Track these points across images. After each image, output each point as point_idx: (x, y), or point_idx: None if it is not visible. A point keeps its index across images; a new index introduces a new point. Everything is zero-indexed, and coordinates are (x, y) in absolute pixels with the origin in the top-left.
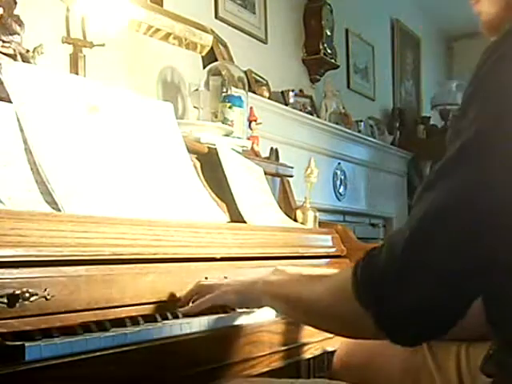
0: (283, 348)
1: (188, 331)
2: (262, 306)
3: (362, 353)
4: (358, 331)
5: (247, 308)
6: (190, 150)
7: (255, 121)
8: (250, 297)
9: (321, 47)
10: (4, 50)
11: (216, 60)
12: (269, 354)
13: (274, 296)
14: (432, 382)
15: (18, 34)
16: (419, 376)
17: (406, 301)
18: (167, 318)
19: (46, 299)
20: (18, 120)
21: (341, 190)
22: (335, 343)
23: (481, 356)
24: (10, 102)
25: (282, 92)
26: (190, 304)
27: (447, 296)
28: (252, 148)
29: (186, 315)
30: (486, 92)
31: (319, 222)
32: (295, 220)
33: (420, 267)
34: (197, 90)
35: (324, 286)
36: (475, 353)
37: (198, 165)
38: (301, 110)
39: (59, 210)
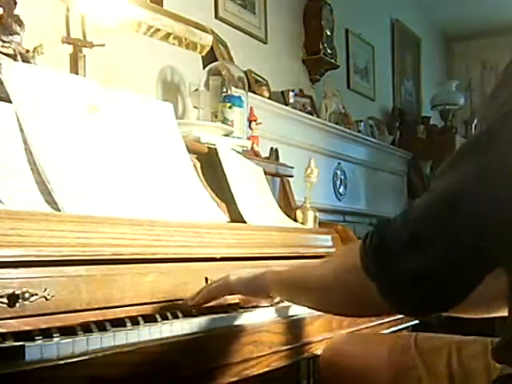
0: (283, 348)
1: (188, 331)
2: (268, 296)
3: (350, 355)
4: (363, 304)
5: (253, 296)
6: (190, 150)
7: (255, 121)
8: (259, 284)
9: (321, 47)
10: (4, 50)
11: (216, 60)
12: (269, 354)
13: (280, 282)
14: None
15: (18, 34)
16: (408, 378)
17: (411, 266)
18: (167, 318)
19: (46, 299)
20: (18, 120)
21: (341, 190)
22: None
23: (473, 357)
24: (10, 102)
25: (282, 92)
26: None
27: (457, 268)
28: (252, 148)
29: (188, 315)
30: None
31: (319, 222)
32: (295, 220)
33: (433, 237)
34: (197, 90)
35: (332, 262)
36: (467, 354)
37: (198, 165)
38: (301, 110)
39: (59, 210)
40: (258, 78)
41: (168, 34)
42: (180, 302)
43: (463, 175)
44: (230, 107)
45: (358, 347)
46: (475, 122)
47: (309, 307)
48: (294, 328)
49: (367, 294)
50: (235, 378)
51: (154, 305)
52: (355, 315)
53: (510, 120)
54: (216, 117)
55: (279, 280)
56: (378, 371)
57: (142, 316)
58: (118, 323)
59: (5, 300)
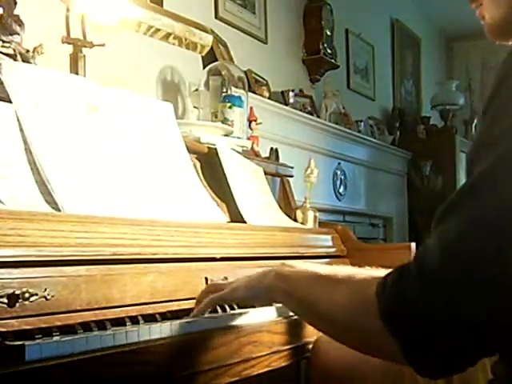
0: (283, 348)
1: (188, 331)
2: (273, 303)
3: (340, 356)
4: (380, 352)
5: (258, 305)
6: (190, 150)
7: (255, 121)
8: (261, 291)
9: (321, 47)
10: (4, 50)
11: (216, 60)
12: (269, 353)
13: (286, 293)
14: None
15: (18, 34)
16: (402, 378)
17: (439, 331)
18: (167, 318)
19: (46, 299)
20: (18, 120)
21: (341, 190)
22: None
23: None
24: (10, 102)
25: (282, 92)
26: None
27: (487, 325)
28: (252, 148)
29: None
30: None
31: (319, 222)
32: (295, 220)
33: (458, 294)
34: (197, 90)
35: (344, 294)
36: None
37: (198, 165)
38: (301, 110)
39: (59, 210)
40: (258, 78)
41: (168, 34)
42: (177, 302)
43: (479, 213)
44: (230, 107)
45: (345, 347)
46: (475, 122)
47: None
48: (294, 328)
49: (386, 346)
50: (235, 378)
51: (154, 305)
52: (368, 354)
53: (503, 163)
54: (216, 117)
55: (284, 289)
56: (372, 374)
57: (142, 316)
58: (118, 323)
59: (5, 300)
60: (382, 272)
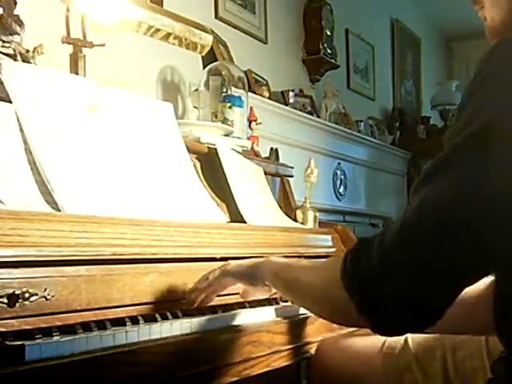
0: (283, 348)
1: (188, 331)
2: (264, 284)
3: (342, 358)
4: (346, 318)
5: (250, 284)
6: (190, 150)
7: (255, 121)
8: (257, 272)
9: (321, 47)
10: (4, 50)
11: (216, 60)
12: (269, 353)
13: (276, 275)
14: None
15: (18, 34)
16: (403, 380)
17: (388, 289)
18: (167, 318)
19: (46, 299)
20: (18, 120)
21: (341, 190)
22: None
23: (468, 358)
24: (10, 102)
25: (282, 92)
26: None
27: (432, 289)
28: (252, 148)
29: (188, 315)
30: (483, 95)
31: (319, 222)
32: (295, 220)
33: (408, 258)
34: (197, 90)
35: (320, 271)
36: (462, 355)
37: (198, 165)
38: (301, 110)
39: (59, 210)
40: (258, 78)
41: (168, 34)
42: (182, 301)
43: (438, 190)
44: (230, 107)
45: (349, 349)
46: (446, 133)
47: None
48: (294, 328)
49: (350, 311)
50: (235, 378)
51: (154, 305)
52: (343, 325)
53: (486, 130)
54: (216, 117)
55: (274, 271)
56: (372, 374)
57: (142, 316)
58: (118, 323)
59: (5, 300)
60: None
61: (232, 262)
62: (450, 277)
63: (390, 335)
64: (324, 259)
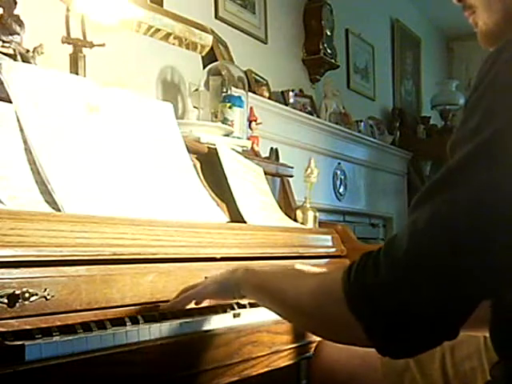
0: (283, 348)
1: (188, 331)
2: (242, 297)
3: (342, 358)
4: (345, 337)
5: (228, 299)
6: (190, 150)
7: (255, 121)
8: (230, 285)
9: (321, 47)
10: (4, 50)
11: (216, 60)
12: (269, 353)
13: (255, 286)
14: None
15: (18, 34)
16: (402, 380)
17: (403, 309)
18: (167, 318)
19: (46, 299)
20: (18, 120)
21: (341, 190)
22: None
23: (467, 358)
24: (10, 102)
25: (282, 92)
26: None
27: (450, 304)
28: (252, 148)
29: (188, 315)
30: (493, 97)
31: (319, 222)
32: (295, 220)
33: (422, 273)
34: (197, 90)
35: (312, 284)
36: (461, 355)
37: (198, 165)
38: (301, 110)
39: (59, 210)
40: (258, 78)
41: (168, 34)
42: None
43: (447, 203)
44: (230, 107)
45: (348, 349)
46: (450, 144)
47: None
48: (294, 328)
49: (355, 331)
50: (235, 378)
51: (154, 305)
52: (337, 343)
53: (495, 140)
54: (216, 117)
55: (252, 282)
56: (371, 375)
57: (141, 316)
58: (118, 323)
59: (5, 300)
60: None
61: (211, 278)
62: (468, 289)
63: (404, 357)
64: (307, 267)
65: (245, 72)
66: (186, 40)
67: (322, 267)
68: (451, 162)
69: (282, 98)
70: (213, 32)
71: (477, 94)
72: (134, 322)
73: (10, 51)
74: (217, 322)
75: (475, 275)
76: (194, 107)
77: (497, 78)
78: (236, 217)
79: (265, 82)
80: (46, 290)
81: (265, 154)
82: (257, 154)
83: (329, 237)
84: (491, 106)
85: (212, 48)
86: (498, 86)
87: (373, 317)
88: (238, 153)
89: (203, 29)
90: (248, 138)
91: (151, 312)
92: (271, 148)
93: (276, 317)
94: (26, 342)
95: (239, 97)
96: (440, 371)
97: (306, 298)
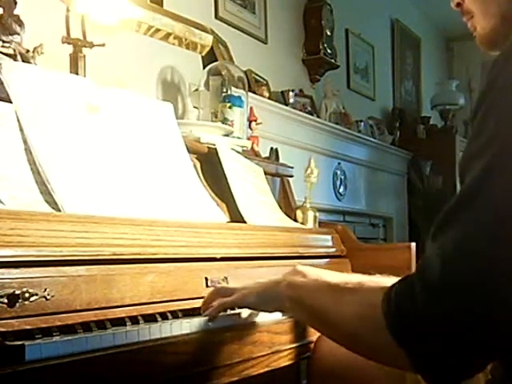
0: (283, 348)
1: (188, 331)
2: (283, 311)
3: (343, 358)
4: (387, 361)
5: (268, 311)
6: (190, 150)
7: (255, 121)
8: (272, 298)
9: (321, 47)
10: (4, 50)
11: (216, 60)
12: (269, 353)
13: (297, 303)
14: None
15: (18, 34)
16: (404, 379)
17: (444, 340)
18: (167, 318)
19: (46, 299)
20: (18, 120)
21: (341, 190)
22: None
23: None
24: (10, 102)
25: (282, 92)
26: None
27: (488, 332)
28: (252, 148)
29: (188, 315)
30: (505, 104)
31: (319, 222)
32: (295, 220)
33: (459, 303)
34: (197, 90)
35: (352, 306)
36: None
37: (198, 165)
38: (301, 110)
39: (59, 210)
40: (258, 78)
41: (168, 34)
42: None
43: (477, 219)
44: (230, 107)
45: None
46: (464, 156)
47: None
48: (294, 328)
49: (395, 356)
50: (235, 378)
51: (154, 305)
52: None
53: (497, 164)
54: (216, 117)
55: (295, 298)
56: (373, 373)
57: (142, 316)
58: (118, 323)
59: (5, 300)
60: (390, 280)
61: (244, 289)
62: (504, 310)
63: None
64: (346, 277)
65: (245, 72)
66: (185, 40)
67: (323, 267)
68: (468, 179)
69: (282, 98)
70: (213, 32)
71: (486, 105)
72: (134, 321)
73: (10, 51)
74: (217, 322)
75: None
76: (194, 107)
77: (506, 86)
78: (236, 217)
79: (265, 82)
80: (45, 290)
81: (265, 154)
82: (257, 154)
83: (329, 237)
84: (502, 116)
85: (212, 48)
86: (509, 95)
87: (417, 347)
88: (238, 153)
89: (203, 29)
90: (248, 138)
91: (152, 312)
92: (271, 148)
93: (276, 317)
94: (26, 342)
95: (239, 97)
96: None
97: (348, 323)
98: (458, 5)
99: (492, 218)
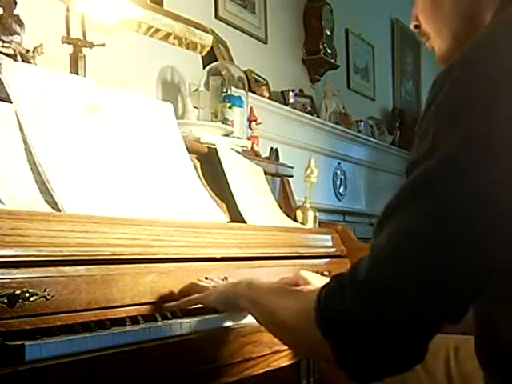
0: (283, 348)
1: (188, 331)
2: (242, 310)
3: None
4: (324, 358)
5: (228, 311)
6: (190, 150)
7: (255, 121)
8: (231, 298)
9: (321, 47)
10: (4, 50)
11: (216, 60)
12: (269, 353)
13: (252, 302)
14: None
15: (18, 34)
16: (406, 379)
17: (365, 332)
18: (167, 318)
19: (46, 299)
20: (18, 120)
21: (341, 190)
22: None
23: (470, 358)
24: (10, 102)
25: (282, 92)
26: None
27: (409, 332)
28: (252, 148)
29: (188, 315)
30: (442, 121)
31: (319, 222)
32: (295, 220)
33: (381, 302)
34: (197, 90)
35: (295, 305)
36: (464, 355)
37: (198, 165)
38: (301, 110)
39: (59, 210)
40: (258, 78)
41: (168, 34)
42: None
43: (409, 220)
44: (230, 107)
45: None
46: (408, 164)
47: None
48: None
49: (327, 354)
50: (235, 378)
51: (154, 305)
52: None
53: (430, 176)
54: (216, 117)
55: (250, 298)
56: None
57: (142, 316)
58: (118, 323)
59: (5, 300)
60: None
61: (212, 287)
62: (432, 310)
63: (366, 381)
64: (310, 274)
65: (245, 72)
66: (185, 40)
67: (323, 267)
68: (403, 184)
69: (282, 97)
70: (213, 32)
71: (427, 117)
72: (134, 321)
73: (10, 51)
74: (216, 322)
75: (436, 296)
76: (194, 107)
77: (444, 101)
78: (236, 217)
79: (265, 82)
80: (45, 290)
81: (265, 154)
82: (257, 154)
83: (329, 237)
84: (440, 131)
85: (212, 48)
86: (445, 109)
87: (338, 342)
88: (238, 153)
89: (203, 29)
90: (248, 138)
91: (152, 312)
92: (271, 148)
93: None
94: (26, 342)
95: (239, 97)
96: (444, 370)
97: (289, 319)
98: (416, 27)
99: (419, 220)
